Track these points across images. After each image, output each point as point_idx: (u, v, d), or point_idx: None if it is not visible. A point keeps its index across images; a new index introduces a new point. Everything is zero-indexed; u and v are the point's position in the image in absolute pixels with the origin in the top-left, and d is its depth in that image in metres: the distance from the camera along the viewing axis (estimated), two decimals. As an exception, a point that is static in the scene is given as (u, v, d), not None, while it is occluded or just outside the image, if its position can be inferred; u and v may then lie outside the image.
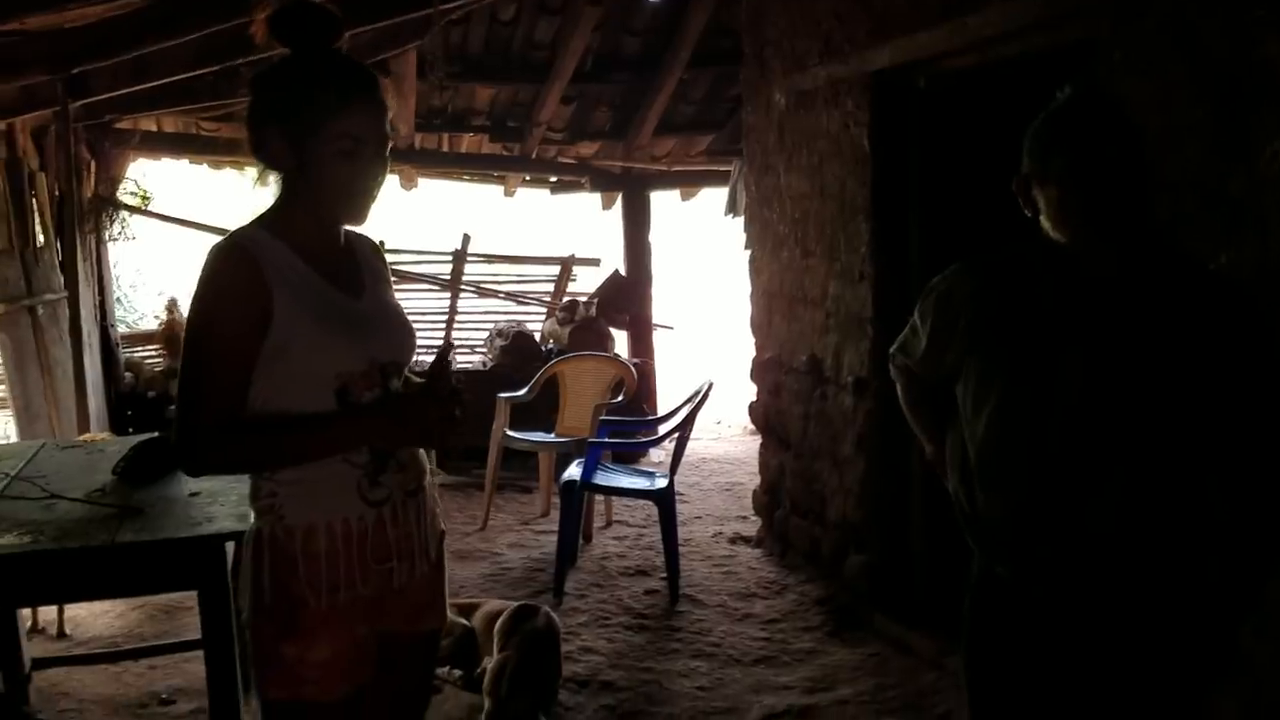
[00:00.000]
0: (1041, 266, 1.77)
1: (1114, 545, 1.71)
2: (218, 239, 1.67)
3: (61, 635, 3.94)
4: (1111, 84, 2.58)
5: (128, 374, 6.73)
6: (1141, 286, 1.71)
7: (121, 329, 7.44)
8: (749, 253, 5.03)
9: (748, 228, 5.10)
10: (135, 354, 7.13)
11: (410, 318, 1.88)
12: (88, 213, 6.12)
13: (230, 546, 2.37)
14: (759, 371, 4.93)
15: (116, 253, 7.38)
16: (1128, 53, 2.60)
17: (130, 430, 6.13)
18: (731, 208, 6.37)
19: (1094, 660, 1.79)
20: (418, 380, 1.81)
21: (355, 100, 1.63)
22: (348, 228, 1.77)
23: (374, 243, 1.88)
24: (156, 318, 8.51)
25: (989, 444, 1.81)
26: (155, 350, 7.20)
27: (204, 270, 1.61)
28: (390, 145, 1.71)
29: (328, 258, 1.72)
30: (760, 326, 4.91)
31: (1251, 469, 1.70)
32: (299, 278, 1.65)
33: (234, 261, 1.60)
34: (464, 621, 3.59)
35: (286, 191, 1.70)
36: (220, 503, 2.47)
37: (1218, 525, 1.71)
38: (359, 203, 1.69)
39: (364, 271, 1.79)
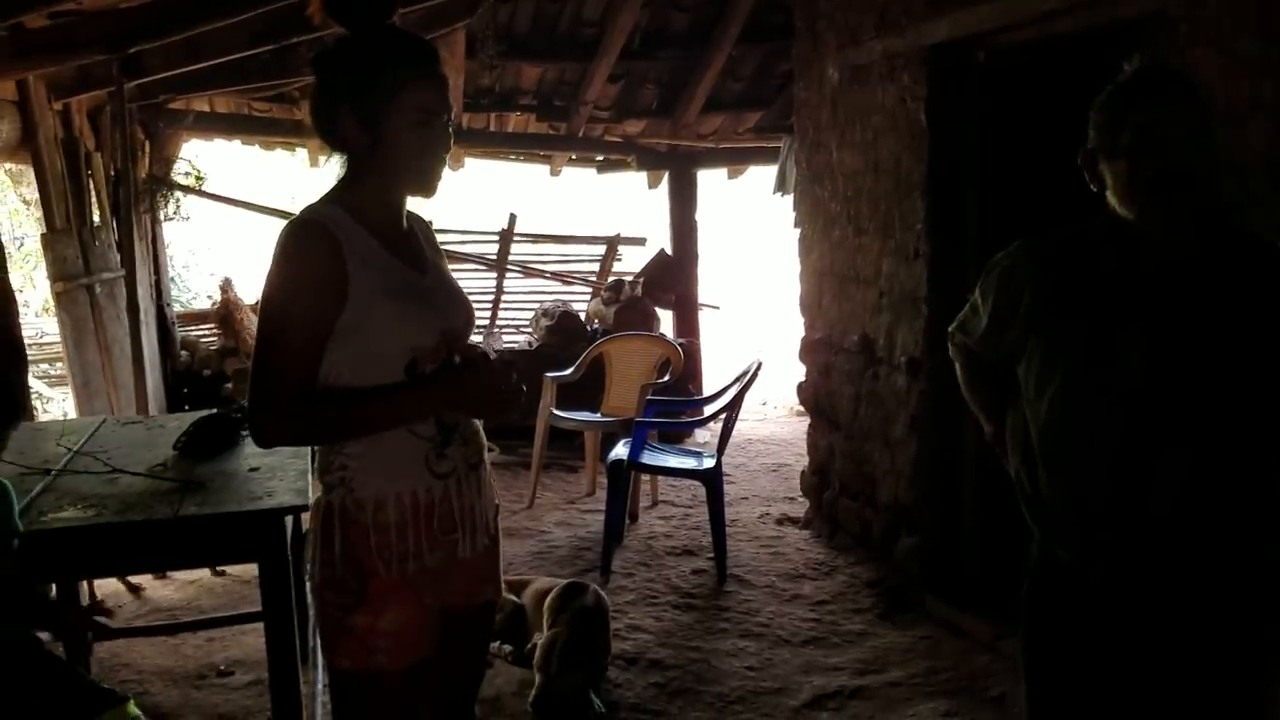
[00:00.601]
0: (1107, 244, 1.74)
1: (1178, 527, 1.69)
2: (278, 218, 1.68)
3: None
4: (1178, 58, 2.51)
5: (184, 352, 6.84)
6: (1209, 265, 1.68)
7: (176, 308, 7.56)
8: (799, 231, 4.98)
9: (798, 205, 5.05)
10: (191, 333, 7.25)
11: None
12: (143, 192, 6.22)
13: (290, 520, 2.40)
14: (808, 351, 4.90)
15: (170, 233, 7.49)
16: (1195, 26, 2.53)
17: (186, 408, 6.24)
18: (780, 185, 6.30)
19: (1154, 644, 1.77)
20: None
21: (421, 73, 1.64)
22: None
23: (424, 220, 1.89)
24: (210, 298, 8.65)
25: (1052, 424, 1.79)
26: (210, 329, 7.32)
27: (283, 245, 1.62)
28: (452, 116, 1.72)
29: (394, 235, 1.74)
30: (810, 306, 4.87)
31: None
32: (373, 254, 1.67)
33: (314, 238, 1.62)
34: (514, 598, 3.62)
35: (353, 170, 1.71)
36: (279, 477, 2.50)
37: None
38: (430, 176, 1.70)
39: (424, 247, 1.81)
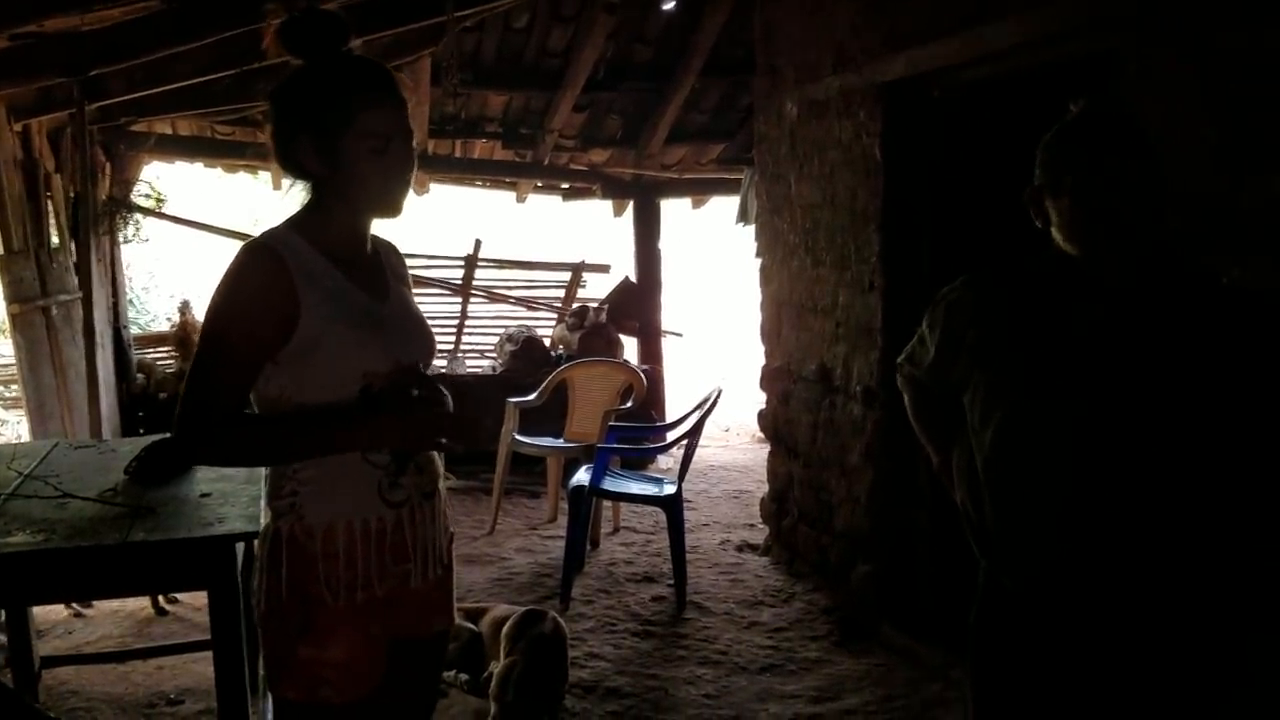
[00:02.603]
0: (1052, 278, 1.77)
1: (1122, 557, 1.71)
2: (239, 241, 1.68)
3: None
4: (1126, 97, 2.58)
5: (140, 375, 6.76)
6: (1153, 299, 1.71)
7: (134, 330, 7.48)
8: (759, 261, 5.04)
9: (758, 236, 5.10)
10: (148, 355, 7.17)
11: (423, 322, 1.89)
12: (102, 214, 6.16)
13: (241, 547, 2.38)
14: (768, 380, 4.94)
15: (129, 255, 7.42)
16: (1142, 66, 2.60)
17: (141, 431, 6.15)
18: (742, 216, 6.38)
19: (1101, 673, 1.78)
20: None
21: (377, 99, 1.65)
22: (372, 232, 1.79)
23: (394, 246, 1.90)
24: (169, 320, 8.56)
25: (997, 454, 1.81)
26: (168, 352, 7.24)
27: (232, 267, 1.62)
28: (414, 137, 1.72)
29: (355, 261, 1.74)
30: (769, 335, 4.92)
31: (1272, 482, 1.69)
32: (328, 280, 1.67)
33: (262, 262, 1.62)
34: (471, 626, 3.59)
35: (315, 196, 1.72)
36: (231, 504, 2.48)
37: (1232, 536, 1.71)
38: (393, 198, 1.71)
39: (388, 274, 1.81)
